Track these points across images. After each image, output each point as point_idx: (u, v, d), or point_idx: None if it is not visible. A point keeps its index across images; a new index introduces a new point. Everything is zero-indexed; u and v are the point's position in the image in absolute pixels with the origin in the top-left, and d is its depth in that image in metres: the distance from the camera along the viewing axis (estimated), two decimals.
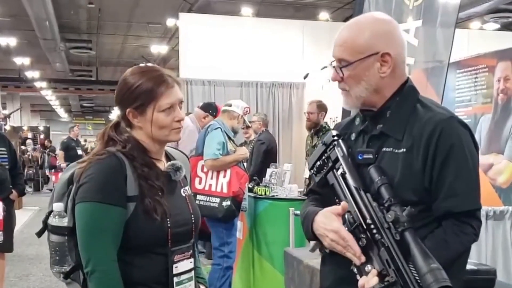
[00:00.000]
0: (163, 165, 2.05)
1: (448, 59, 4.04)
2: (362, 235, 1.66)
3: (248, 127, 7.24)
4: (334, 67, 1.87)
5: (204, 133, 5.14)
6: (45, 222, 2.01)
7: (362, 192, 1.72)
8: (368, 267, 1.62)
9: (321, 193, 1.97)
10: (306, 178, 6.28)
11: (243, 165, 5.23)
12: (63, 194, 2.00)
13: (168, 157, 2.12)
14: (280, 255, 4.63)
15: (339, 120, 6.03)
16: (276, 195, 5.49)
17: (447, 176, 1.72)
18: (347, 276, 1.70)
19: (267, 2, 12.60)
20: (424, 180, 1.74)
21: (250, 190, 5.71)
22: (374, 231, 1.64)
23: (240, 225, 5.83)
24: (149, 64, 2.24)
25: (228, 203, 4.87)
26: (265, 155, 7.47)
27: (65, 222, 1.96)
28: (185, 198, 2.08)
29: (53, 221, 1.97)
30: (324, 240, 1.77)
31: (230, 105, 5.33)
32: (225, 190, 4.91)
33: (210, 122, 5.27)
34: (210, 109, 6.15)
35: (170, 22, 13.72)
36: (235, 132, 5.34)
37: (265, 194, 5.46)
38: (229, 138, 5.14)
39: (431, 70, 4.20)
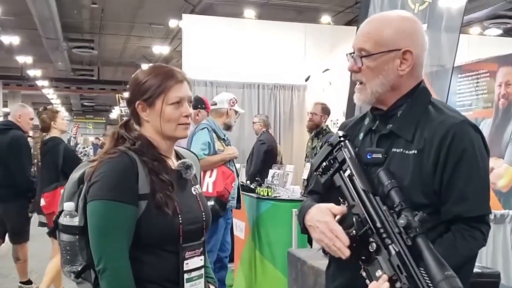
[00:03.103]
0: (173, 163, 2.07)
1: (452, 64, 4.06)
2: (371, 239, 1.64)
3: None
4: (352, 57, 1.85)
5: (192, 133, 5.11)
6: (55, 221, 2.02)
7: (371, 195, 1.70)
8: (379, 272, 1.59)
9: (321, 194, 1.95)
10: (304, 179, 6.30)
11: (234, 164, 5.20)
12: (73, 193, 2.01)
13: (179, 157, 2.15)
14: (282, 255, 4.65)
15: (340, 122, 6.05)
16: (279, 196, 5.51)
17: (459, 180, 1.72)
18: (354, 279, 1.69)
19: (269, 4, 12.61)
20: (434, 183, 1.73)
21: (253, 190, 5.74)
22: (384, 235, 1.62)
23: (242, 225, 5.85)
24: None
25: (212, 202, 4.83)
26: (266, 155, 7.57)
27: (76, 221, 1.96)
28: (195, 196, 2.09)
29: (64, 220, 1.98)
30: (314, 232, 1.77)
31: (216, 103, 5.29)
32: (210, 190, 4.88)
33: (201, 122, 5.22)
34: (198, 104, 6.04)
35: (172, 23, 13.75)
36: (229, 127, 5.29)
37: (268, 194, 5.48)
38: (219, 137, 5.09)
39: (435, 74, 4.22)
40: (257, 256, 5.52)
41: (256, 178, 6.02)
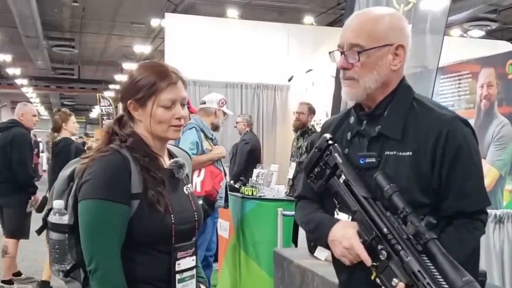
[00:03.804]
0: (165, 162, 2.05)
1: (436, 65, 4.09)
2: (380, 246, 1.64)
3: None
4: (343, 53, 1.80)
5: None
6: (44, 219, 1.99)
7: (372, 201, 1.70)
8: (395, 281, 1.58)
9: (313, 198, 1.96)
10: (290, 178, 6.33)
11: (222, 164, 5.20)
12: (63, 191, 1.98)
13: (171, 155, 2.12)
14: (267, 255, 4.65)
15: (323, 122, 6.05)
16: (263, 196, 5.52)
17: (457, 177, 1.73)
18: (362, 272, 1.70)
19: (251, 4, 12.61)
20: (432, 181, 1.74)
21: (237, 190, 5.74)
22: (393, 241, 1.62)
23: (227, 224, 5.85)
24: (156, 60, 2.25)
25: (200, 202, 4.82)
26: (249, 155, 7.61)
27: (65, 219, 1.93)
28: (188, 195, 2.08)
29: (53, 218, 1.95)
30: (336, 247, 1.76)
31: (205, 102, 5.26)
32: (198, 189, 4.86)
33: (188, 122, 5.20)
34: None
35: (154, 22, 13.69)
36: (216, 127, 5.26)
37: (252, 194, 5.49)
38: (206, 137, 5.06)
39: (419, 74, 4.24)
40: (241, 255, 5.52)
41: (240, 178, 6.03)
